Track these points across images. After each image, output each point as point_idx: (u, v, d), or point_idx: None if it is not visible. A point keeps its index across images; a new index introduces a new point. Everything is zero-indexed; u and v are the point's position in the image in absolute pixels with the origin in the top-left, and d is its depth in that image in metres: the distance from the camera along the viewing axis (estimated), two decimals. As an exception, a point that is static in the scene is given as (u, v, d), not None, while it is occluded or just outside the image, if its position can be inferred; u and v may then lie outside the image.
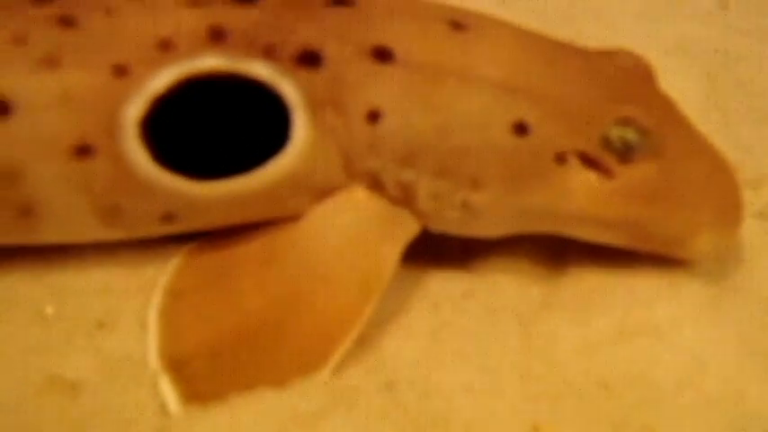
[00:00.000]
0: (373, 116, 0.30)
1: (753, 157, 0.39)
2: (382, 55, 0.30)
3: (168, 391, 0.28)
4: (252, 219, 0.31)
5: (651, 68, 0.33)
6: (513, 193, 0.30)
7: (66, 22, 0.29)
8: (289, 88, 0.29)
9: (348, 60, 0.30)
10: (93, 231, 0.30)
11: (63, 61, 0.28)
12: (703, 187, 0.31)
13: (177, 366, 0.28)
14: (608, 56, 0.33)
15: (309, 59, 0.29)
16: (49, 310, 0.30)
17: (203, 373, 0.28)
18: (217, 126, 0.29)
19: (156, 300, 0.30)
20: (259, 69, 0.29)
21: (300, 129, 0.29)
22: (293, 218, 0.31)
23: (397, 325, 0.31)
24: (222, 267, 0.31)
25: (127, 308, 0.30)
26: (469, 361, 0.29)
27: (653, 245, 0.31)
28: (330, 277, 0.29)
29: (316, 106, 0.29)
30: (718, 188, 0.32)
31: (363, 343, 0.30)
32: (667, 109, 0.32)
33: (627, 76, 0.32)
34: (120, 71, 0.28)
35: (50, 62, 0.28)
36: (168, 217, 0.30)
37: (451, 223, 0.31)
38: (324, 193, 0.30)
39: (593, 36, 0.45)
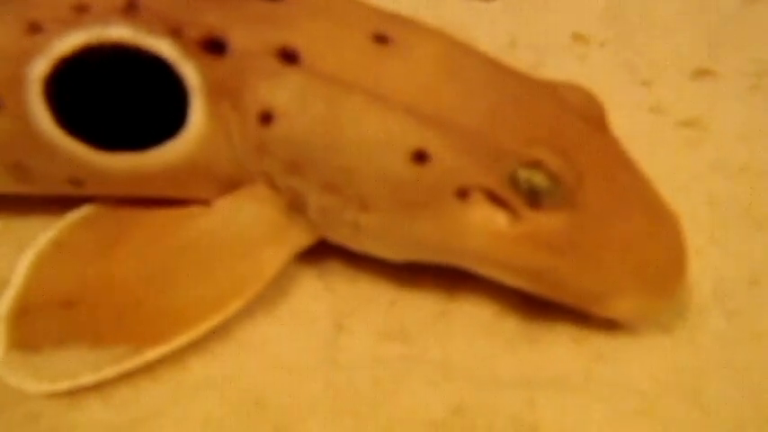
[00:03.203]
0: (266, 117, 0.29)
1: (648, 59, 0.42)
2: (288, 56, 0.29)
3: None
4: (160, 194, 0.31)
5: (601, 108, 0.31)
6: (406, 221, 0.29)
7: None
8: (190, 71, 0.29)
9: (252, 55, 0.29)
10: (6, 183, 0.31)
11: None
12: (628, 246, 0.28)
13: (22, 312, 0.29)
14: (549, 88, 0.31)
15: (214, 46, 0.29)
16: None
17: (43, 323, 0.29)
18: (125, 98, 0.29)
19: (37, 247, 0.30)
20: (164, 47, 0.29)
21: (198, 115, 0.29)
22: (204, 202, 0.31)
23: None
24: (113, 230, 0.31)
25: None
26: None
27: (563, 297, 0.29)
28: (206, 268, 0.30)
29: (214, 95, 0.29)
30: (649, 250, 0.29)
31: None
32: (605, 155, 0.30)
33: (562, 114, 0.30)
34: (34, 28, 0.29)
35: None
36: (75, 180, 0.31)
37: (345, 239, 0.30)
38: (228, 183, 0.31)
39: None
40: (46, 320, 0.29)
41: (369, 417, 0.28)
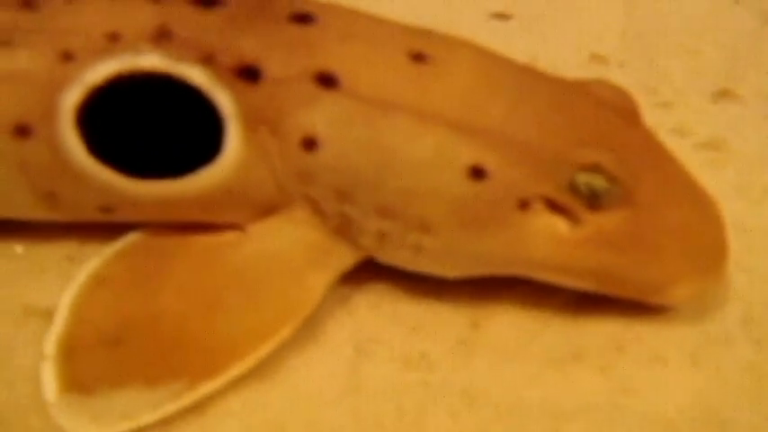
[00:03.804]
0: (309, 143, 0.28)
1: (667, 80, 0.42)
2: (326, 81, 0.28)
3: (48, 378, 0.28)
4: (192, 220, 0.31)
5: (633, 102, 0.32)
6: (470, 239, 0.29)
7: (28, 4, 0.29)
8: (224, 99, 0.29)
9: (288, 81, 0.29)
10: (35, 211, 0.31)
11: (17, 41, 0.29)
12: (681, 234, 0.29)
13: (69, 352, 0.28)
14: (584, 87, 0.31)
15: (248, 73, 0.29)
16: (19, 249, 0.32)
17: (92, 363, 0.28)
18: (158, 126, 0.29)
19: (78, 283, 0.30)
20: (196, 75, 0.29)
21: (233, 142, 0.29)
22: (237, 227, 0.31)
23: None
24: (154, 263, 0.31)
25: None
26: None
27: (626, 292, 0.30)
28: (253, 296, 0.29)
29: (251, 122, 0.29)
30: (699, 235, 0.30)
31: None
32: (647, 149, 0.31)
33: (602, 113, 0.30)
34: (67, 57, 0.29)
35: (6, 42, 0.29)
36: (106, 208, 0.30)
37: (404, 261, 0.30)
38: (265, 208, 0.30)
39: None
40: (95, 360, 0.28)
41: (393, 447, 0.28)
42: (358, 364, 0.30)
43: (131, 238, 0.32)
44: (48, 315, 0.30)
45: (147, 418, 0.27)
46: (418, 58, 0.29)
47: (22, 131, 0.29)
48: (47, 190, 0.30)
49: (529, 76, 0.31)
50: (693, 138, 0.39)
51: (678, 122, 0.40)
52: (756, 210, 0.36)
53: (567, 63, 0.44)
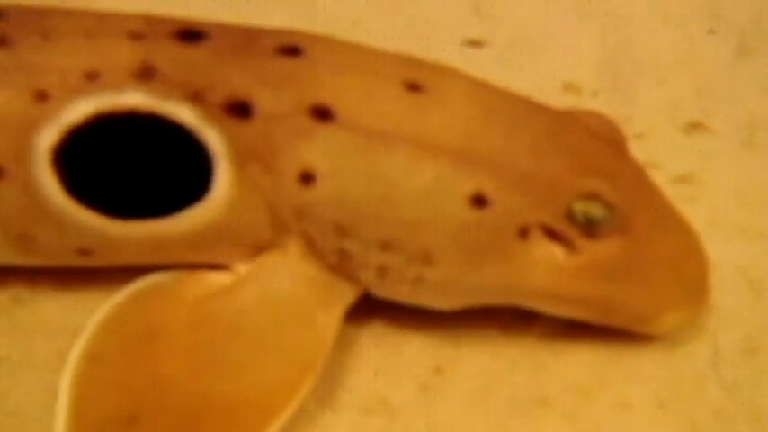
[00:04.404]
0: (306, 178, 0.28)
1: (640, 111, 0.41)
2: (321, 114, 0.28)
3: None
4: (177, 261, 0.30)
5: (621, 133, 0.32)
6: (472, 269, 0.28)
7: (2, 42, 0.28)
8: (213, 137, 0.28)
9: (282, 116, 0.28)
10: (7, 255, 0.30)
11: None
12: (670, 264, 0.30)
13: None
14: (574, 117, 0.31)
15: (238, 109, 0.28)
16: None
17: None
18: (142, 165, 0.28)
19: (71, 365, 0.28)
20: (184, 113, 0.28)
21: (224, 180, 0.28)
22: (226, 267, 0.29)
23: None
24: (146, 329, 0.29)
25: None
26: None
27: (616, 320, 0.30)
28: (263, 346, 0.28)
29: (242, 159, 0.28)
30: (685, 265, 0.30)
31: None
32: (636, 179, 0.31)
33: (594, 142, 0.31)
34: (42, 96, 0.27)
35: None
36: (84, 251, 0.29)
37: (403, 295, 0.30)
38: (255, 247, 0.29)
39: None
40: None
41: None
42: (318, 411, 0.29)
43: (113, 303, 0.29)
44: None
45: None
46: (413, 87, 0.29)
47: None
48: (20, 232, 0.29)
49: (522, 105, 0.31)
50: (666, 171, 0.38)
51: (651, 155, 0.39)
52: (728, 246, 0.35)
53: (541, 92, 0.42)
